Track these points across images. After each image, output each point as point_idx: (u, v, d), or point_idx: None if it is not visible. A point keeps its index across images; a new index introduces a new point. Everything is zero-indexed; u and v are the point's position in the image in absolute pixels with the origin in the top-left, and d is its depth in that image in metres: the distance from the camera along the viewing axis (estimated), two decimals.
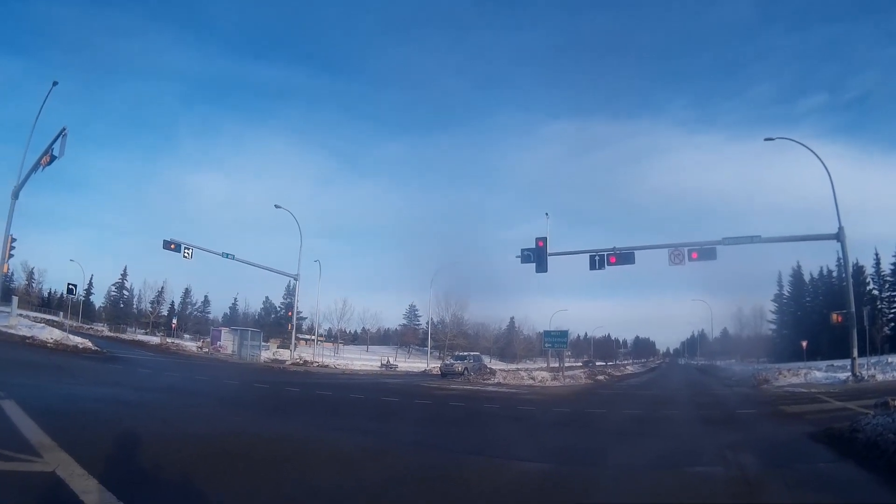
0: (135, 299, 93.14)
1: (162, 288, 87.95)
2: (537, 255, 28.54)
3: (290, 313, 45.15)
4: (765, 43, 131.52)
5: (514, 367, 56.52)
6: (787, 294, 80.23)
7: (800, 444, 9.27)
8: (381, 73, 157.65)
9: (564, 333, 33.90)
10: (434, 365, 45.91)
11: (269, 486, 5.59)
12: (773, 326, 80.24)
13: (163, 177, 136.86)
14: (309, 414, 12.99)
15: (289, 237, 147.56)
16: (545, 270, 28.56)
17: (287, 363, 39.43)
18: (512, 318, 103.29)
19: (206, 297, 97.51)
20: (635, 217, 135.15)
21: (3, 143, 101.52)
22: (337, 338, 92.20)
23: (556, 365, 37.04)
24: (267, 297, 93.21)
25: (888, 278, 68.36)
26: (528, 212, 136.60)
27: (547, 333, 34.80)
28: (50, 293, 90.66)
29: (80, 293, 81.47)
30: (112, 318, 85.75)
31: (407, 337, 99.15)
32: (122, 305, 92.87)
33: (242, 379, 21.27)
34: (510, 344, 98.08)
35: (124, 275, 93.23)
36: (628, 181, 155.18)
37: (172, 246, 36.05)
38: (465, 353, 39.77)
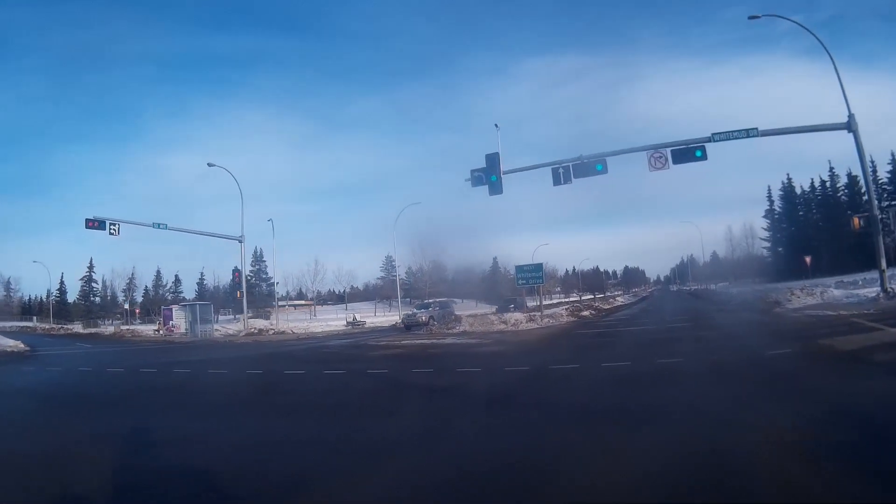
0: (107, 290, 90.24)
1: (132, 274, 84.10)
2: (489, 174, 23.51)
3: (235, 276, 40.09)
4: None
5: (493, 309, 52.12)
6: (778, 210, 76.01)
7: None
8: (348, 27, 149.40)
9: (538, 267, 28.70)
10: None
11: None
12: (766, 244, 76.57)
13: (134, 163, 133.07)
14: (135, 412, 8.65)
15: (260, 206, 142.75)
16: (500, 192, 23.65)
17: (241, 335, 35.56)
18: (495, 259, 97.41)
19: (176, 276, 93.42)
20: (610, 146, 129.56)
21: None
22: (314, 299, 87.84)
23: (534, 304, 32.43)
24: (235, 267, 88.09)
25: (886, 187, 62.81)
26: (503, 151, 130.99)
27: (519, 269, 28.78)
28: (30, 300, 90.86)
29: (53, 293, 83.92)
30: (85, 313, 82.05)
31: (386, 290, 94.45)
32: (94, 299, 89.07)
33: (156, 362, 18.40)
34: (494, 286, 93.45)
35: (91, 267, 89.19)
36: (602, 112, 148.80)
37: (94, 224, 32.94)
38: (431, 301, 35.37)
